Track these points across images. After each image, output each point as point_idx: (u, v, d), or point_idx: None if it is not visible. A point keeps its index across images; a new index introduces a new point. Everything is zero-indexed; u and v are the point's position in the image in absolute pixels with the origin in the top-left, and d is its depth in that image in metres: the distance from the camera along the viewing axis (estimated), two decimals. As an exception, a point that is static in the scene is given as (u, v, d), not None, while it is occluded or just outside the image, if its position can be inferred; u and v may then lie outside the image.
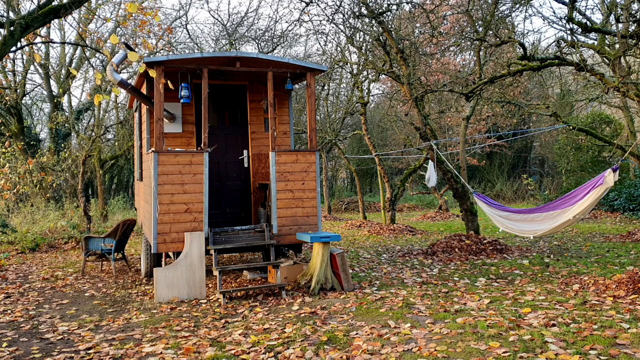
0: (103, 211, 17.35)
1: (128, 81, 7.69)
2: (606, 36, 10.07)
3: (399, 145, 21.75)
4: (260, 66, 7.38)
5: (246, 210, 8.36)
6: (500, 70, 11.92)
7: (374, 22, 10.61)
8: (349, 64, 16.56)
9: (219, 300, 6.44)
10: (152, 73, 6.41)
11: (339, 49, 16.80)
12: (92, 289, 7.59)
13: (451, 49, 13.62)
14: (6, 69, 17.13)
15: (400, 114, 19.07)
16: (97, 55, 17.56)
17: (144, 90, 8.07)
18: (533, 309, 5.38)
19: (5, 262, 10.15)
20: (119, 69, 9.82)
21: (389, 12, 10.65)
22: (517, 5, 9.91)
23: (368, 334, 4.79)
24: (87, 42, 15.47)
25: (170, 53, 18.11)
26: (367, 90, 17.59)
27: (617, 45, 10.51)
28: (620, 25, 8.20)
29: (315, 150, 7.52)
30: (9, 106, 16.90)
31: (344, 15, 11.80)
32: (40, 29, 6.79)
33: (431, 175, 11.24)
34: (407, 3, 10.96)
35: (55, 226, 13.89)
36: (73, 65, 19.42)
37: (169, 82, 6.72)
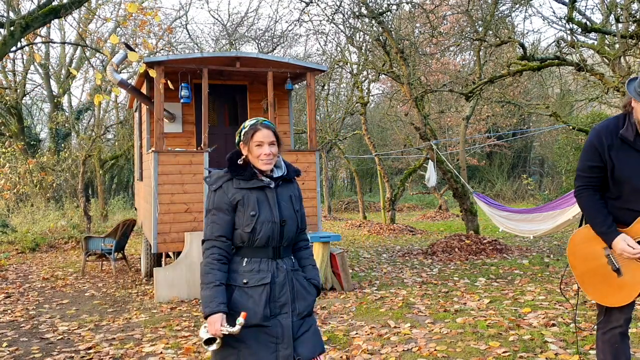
0: (103, 211, 17.35)
1: (128, 81, 7.70)
2: (606, 36, 10.07)
3: (399, 145, 21.73)
4: (260, 66, 7.38)
5: (246, 210, 8.35)
6: (500, 70, 11.91)
7: (374, 22, 10.61)
8: (349, 64, 16.56)
9: (219, 300, 6.43)
10: (152, 73, 6.42)
11: (339, 49, 16.81)
12: (92, 288, 7.59)
13: (451, 49, 13.62)
14: (6, 69, 17.14)
15: (400, 114, 19.06)
16: (97, 55, 17.54)
17: (144, 90, 8.07)
18: (533, 309, 5.38)
19: (5, 262, 10.15)
20: (119, 69, 9.82)
21: (388, 12, 10.65)
22: (517, 5, 9.90)
23: (368, 334, 4.79)
24: (87, 42, 15.46)
25: (170, 53, 18.11)
26: (367, 90, 17.59)
27: (617, 45, 10.51)
28: (620, 25, 8.19)
29: (315, 150, 7.52)
30: (9, 106, 16.90)
31: (344, 15, 11.81)
32: (40, 29, 6.79)
33: (431, 175, 11.25)
34: (407, 3, 10.97)
35: (55, 226, 13.89)
36: (73, 65, 19.41)
37: (169, 82, 6.73)
